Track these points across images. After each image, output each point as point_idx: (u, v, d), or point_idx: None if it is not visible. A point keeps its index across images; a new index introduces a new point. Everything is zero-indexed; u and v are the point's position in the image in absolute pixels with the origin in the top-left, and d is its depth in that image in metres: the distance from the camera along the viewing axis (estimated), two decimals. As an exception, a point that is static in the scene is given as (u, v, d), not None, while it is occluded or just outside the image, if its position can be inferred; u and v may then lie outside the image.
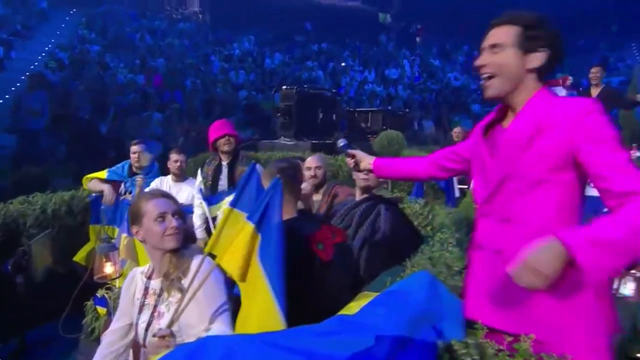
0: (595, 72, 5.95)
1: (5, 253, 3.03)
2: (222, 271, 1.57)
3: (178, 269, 1.53)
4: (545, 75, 1.34)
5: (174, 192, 3.96)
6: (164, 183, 3.98)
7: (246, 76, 14.08)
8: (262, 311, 1.47)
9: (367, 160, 1.91)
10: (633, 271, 2.55)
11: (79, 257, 3.48)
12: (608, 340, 1.30)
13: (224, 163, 3.57)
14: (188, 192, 3.96)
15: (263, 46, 17.29)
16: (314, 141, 6.77)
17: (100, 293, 2.39)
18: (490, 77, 1.34)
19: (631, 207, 1.12)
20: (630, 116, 7.28)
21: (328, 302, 1.60)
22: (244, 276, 1.45)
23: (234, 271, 1.45)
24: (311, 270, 1.68)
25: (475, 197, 1.52)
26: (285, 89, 7.19)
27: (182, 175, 4.01)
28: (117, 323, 1.68)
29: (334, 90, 9.36)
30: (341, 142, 2.09)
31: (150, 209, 1.58)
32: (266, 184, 1.76)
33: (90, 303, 2.50)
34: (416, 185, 5.25)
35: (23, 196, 3.48)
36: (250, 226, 1.43)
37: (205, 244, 1.78)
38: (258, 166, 1.93)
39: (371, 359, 1.12)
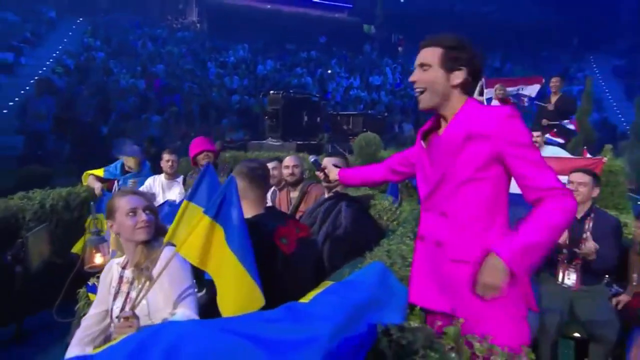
0: (555, 81, 6.09)
1: (5, 245, 3.02)
2: None
3: (148, 258, 1.55)
4: (469, 89, 1.41)
5: (166, 189, 3.97)
6: (157, 181, 3.98)
7: (240, 81, 14.01)
8: (241, 288, 1.49)
9: (334, 172, 2.02)
10: (574, 263, 2.62)
11: (77, 248, 3.46)
12: (525, 312, 1.41)
13: None
14: (179, 189, 3.97)
15: (256, 54, 17.21)
16: (299, 142, 6.78)
17: (91, 281, 2.39)
18: (421, 92, 1.42)
19: (547, 205, 1.27)
20: (585, 122, 7.43)
21: (290, 292, 1.63)
22: (203, 263, 1.47)
23: (193, 259, 1.47)
24: (273, 263, 1.70)
25: (420, 194, 1.56)
26: (273, 93, 7.19)
27: (174, 174, 4.02)
28: (95, 309, 1.69)
29: (318, 95, 9.35)
30: (312, 159, 2.22)
31: (123, 204, 1.61)
32: (236, 180, 1.77)
33: (82, 290, 2.50)
34: (390, 184, 5.28)
35: (23, 192, 3.45)
36: (207, 219, 1.46)
37: None
38: (232, 172, 1.93)
39: (313, 342, 1.15)
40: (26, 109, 9.10)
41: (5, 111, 9.84)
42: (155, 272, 1.50)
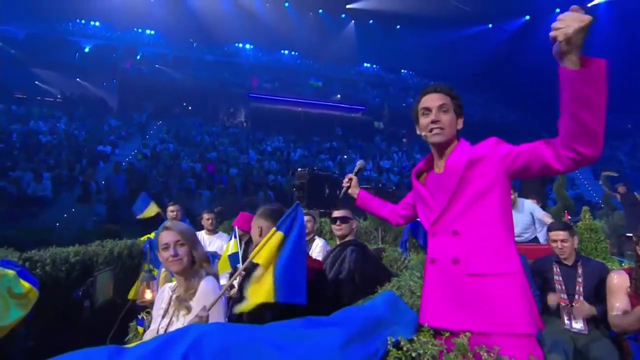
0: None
1: (81, 284, 3.01)
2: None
3: (187, 291, 1.48)
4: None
5: (206, 244, 3.90)
6: (199, 237, 3.93)
7: (275, 165, 14.59)
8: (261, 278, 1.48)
9: (356, 190, 1.93)
10: (575, 305, 2.32)
11: (132, 294, 3.39)
12: (536, 331, 1.23)
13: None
14: (218, 243, 3.92)
15: (289, 144, 18.13)
16: (321, 210, 6.79)
17: (141, 315, 2.32)
18: (441, 129, 1.37)
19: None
20: (562, 191, 7.07)
21: (313, 313, 1.53)
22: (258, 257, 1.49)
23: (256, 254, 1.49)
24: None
25: (423, 223, 1.48)
26: (300, 170, 7.42)
27: (214, 230, 4.00)
28: (153, 325, 1.62)
29: (337, 172, 9.52)
30: (358, 166, 2.00)
31: (160, 239, 1.59)
32: (260, 220, 1.77)
33: (133, 324, 2.41)
34: (401, 240, 5.11)
35: (99, 241, 3.55)
36: (279, 234, 1.50)
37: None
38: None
39: (325, 348, 1.05)
40: (108, 185, 9.70)
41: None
42: (194, 302, 1.43)
